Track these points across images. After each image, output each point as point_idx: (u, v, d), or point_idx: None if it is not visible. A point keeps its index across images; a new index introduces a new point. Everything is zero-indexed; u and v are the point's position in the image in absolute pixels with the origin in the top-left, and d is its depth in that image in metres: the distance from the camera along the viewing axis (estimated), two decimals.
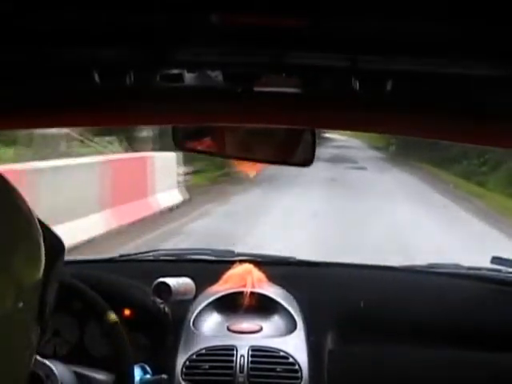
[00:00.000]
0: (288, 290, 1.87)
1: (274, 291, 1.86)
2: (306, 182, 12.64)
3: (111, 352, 1.47)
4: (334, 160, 17.72)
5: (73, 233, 6.70)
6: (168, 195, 10.71)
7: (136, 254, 2.16)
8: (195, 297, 1.83)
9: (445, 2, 0.69)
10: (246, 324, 1.78)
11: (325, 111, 0.96)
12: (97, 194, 8.40)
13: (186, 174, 12.58)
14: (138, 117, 1.03)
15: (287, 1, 0.72)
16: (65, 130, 10.47)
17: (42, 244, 0.59)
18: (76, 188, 7.66)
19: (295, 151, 1.24)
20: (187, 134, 1.27)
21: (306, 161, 1.25)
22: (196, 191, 11.96)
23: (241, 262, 1.95)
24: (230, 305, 1.83)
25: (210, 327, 1.78)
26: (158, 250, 2.16)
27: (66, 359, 1.50)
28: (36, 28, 0.77)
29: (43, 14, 0.74)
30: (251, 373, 1.64)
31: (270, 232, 8.15)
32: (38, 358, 1.35)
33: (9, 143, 10.88)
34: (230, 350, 1.68)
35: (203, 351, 1.69)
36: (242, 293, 1.84)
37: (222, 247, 2.33)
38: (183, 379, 1.65)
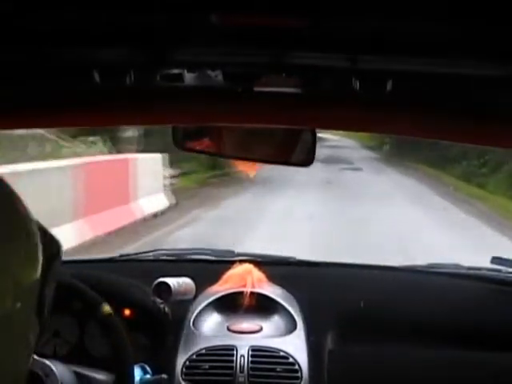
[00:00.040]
0: (288, 290, 1.87)
1: (273, 291, 1.86)
2: (299, 185, 12.25)
3: (111, 352, 1.47)
4: (328, 161, 17.15)
5: None
6: (153, 200, 10.00)
7: (136, 253, 2.16)
8: (195, 297, 1.83)
9: (445, 2, 0.69)
10: (246, 324, 1.78)
11: (325, 111, 0.96)
12: (69, 202, 7.61)
13: (173, 176, 11.98)
14: (138, 117, 1.03)
15: (287, 1, 0.72)
16: (36, 131, 9.58)
17: (40, 245, 0.59)
18: (44, 195, 6.61)
19: (295, 151, 1.24)
20: (187, 134, 1.27)
21: (306, 161, 1.25)
22: (184, 195, 11.26)
23: (241, 262, 1.95)
24: (230, 305, 1.83)
25: (210, 327, 1.78)
26: (158, 250, 2.16)
27: (66, 359, 1.50)
28: (36, 28, 0.77)
29: (43, 14, 0.74)
30: (251, 373, 1.64)
31: (263, 243, 7.28)
32: (38, 357, 1.35)
33: None
34: (230, 350, 1.68)
35: (203, 351, 1.69)
36: (242, 293, 1.84)
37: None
38: (183, 379, 1.65)
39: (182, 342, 1.72)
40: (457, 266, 2.08)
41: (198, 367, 1.67)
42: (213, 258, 2.08)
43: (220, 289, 1.86)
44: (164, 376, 1.65)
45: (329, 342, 1.76)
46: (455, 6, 0.68)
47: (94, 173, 8.40)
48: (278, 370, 1.66)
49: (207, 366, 1.67)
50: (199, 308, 1.80)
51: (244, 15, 0.73)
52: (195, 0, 0.72)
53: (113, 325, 1.47)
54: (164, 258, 2.11)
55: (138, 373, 1.59)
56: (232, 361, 1.66)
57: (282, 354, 1.68)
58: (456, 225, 9.68)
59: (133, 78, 0.87)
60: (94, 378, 1.45)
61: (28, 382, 0.61)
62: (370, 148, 27.94)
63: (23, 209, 0.59)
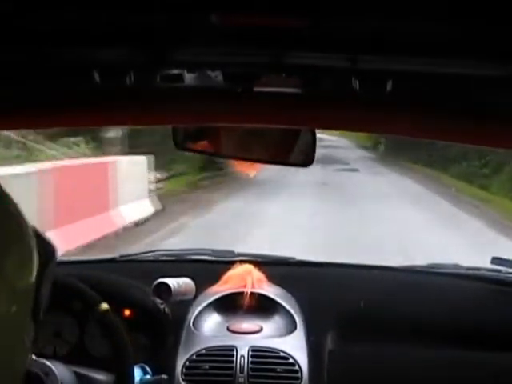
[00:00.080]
0: (288, 291, 1.87)
1: (273, 291, 1.86)
2: (294, 187, 11.81)
3: (111, 352, 1.47)
4: (324, 161, 16.45)
5: None
6: (136, 207, 9.12)
7: (136, 254, 2.16)
8: (195, 297, 1.83)
9: (445, 2, 0.70)
10: (246, 324, 1.78)
11: (325, 111, 0.96)
12: (33, 213, 6.19)
13: (159, 180, 11.23)
14: (138, 117, 1.03)
15: (287, 1, 0.72)
16: (2, 133, 8.31)
17: (35, 248, 0.59)
18: None
19: (296, 151, 1.24)
20: (187, 135, 1.27)
21: (306, 161, 1.25)
22: (172, 199, 10.49)
23: (241, 262, 1.95)
24: (230, 305, 1.83)
25: (210, 327, 1.78)
26: (158, 251, 2.16)
27: (66, 359, 1.50)
28: (36, 28, 0.77)
29: (43, 14, 0.74)
30: (251, 373, 1.64)
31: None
32: (38, 358, 1.35)
33: None
34: (230, 351, 1.68)
35: (203, 351, 1.69)
36: (242, 293, 1.84)
37: None
38: (183, 379, 1.65)
39: (182, 343, 1.72)
40: (456, 266, 2.08)
41: (198, 367, 1.67)
42: (213, 259, 2.08)
43: (220, 289, 1.86)
44: (164, 376, 1.64)
45: (329, 342, 1.76)
46: (455, 5, 0.69)
47: (65, 179, 7.49)
48: (278, 370, 1.66)
49: (207, 367, 1.67)
50: (199, 308, 1.80)
51: (244, 15, 0.73)
52: (195, 0, 0.72)
53: (113, 325, 1.47)
54: (164, 258, 2.11)
55: (138, 373, 1.59)
56: (232, 361, 1.66)
57: (282, 354, 1.68)
58: (461, 229, 9.31)
59: (133, 78, 0.87)
60: (94, 379, 1.45)
61: (28, 383, 0.61)
62: (365, 148, 27.65)
63: (17, 211, 0.59)
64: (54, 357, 1.54)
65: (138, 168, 9.75)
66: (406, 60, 0.84)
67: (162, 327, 1.76)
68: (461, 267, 2.06)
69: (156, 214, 9.51)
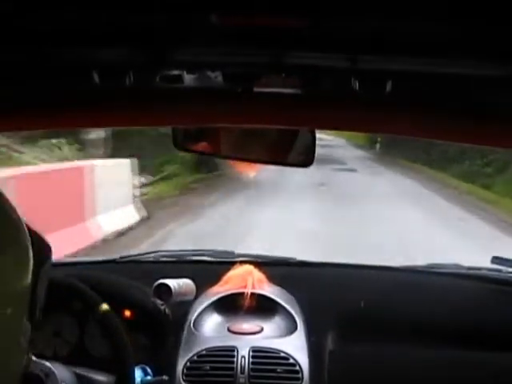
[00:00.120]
0: (288, 291, 1.87)
1: (274, 292, 1.86)
2: (290, 190, 11.40)
3: (111, 352, 1.47)
4: (321, 161, 15.18)
5: None
6: (118, 215, 8.28)
7: (136, 255, 2.16)
8: (196, 298, 1.83)
9: (445, 2, 0.70)
10: (247, 325, 1.78)
11: (325, 111, 0.96)
12: None
13: (145, 184, 10.40)
14: (137, 117, 1.03)
15: (287, 1, 0.72)
16: None
17: (30, 248, 0.59)
18: None
19: (295, 152, 1.24)
20: (187, 135, 1.27)
21: (306, 161, 1.25)
22: (159, 204, 9.63)
23: (241, 262, 1.95)
24: (230, 306, 1.83)
25: (211, 328, 1.78)
26: (158, 252, 2.16)
27: (66, 360, 1.50)
28: (36, 28, 0.77)
29: (43, 14, 0.74)
30: (252, 374, 1.64)
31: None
32: (39, 359, 1.35)
33: None
34: (230, 351, 1.68)
35: (204, 352, 1.69)
36: (242, 294, 1.84)
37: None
38: (184, 380, 1.65)
39: (182, 343, 1.72)
40: (457, 266, 2.08)
41: (198, 368, 1.67)
42: (213, 259, 2.08)
43: (220, 290, 1.86)
44: (165, 377, 1.64)
45: (329, 343, 1.76)
46: (455, 5, 0.69)
47: (31, 187, 6.51)
48: (279, 370, 1.66)
49: (208, 367, 1.67)
50: (200, 309, 1.80)
51: (244, 15, 0.73)
52: (195, 0, 0.72)
53: (113, 325, 1.47)
54: (164, 259, 2.11)
55: (138, 374, 1.59)
56: (233, 362, 1.66)
57: (282, 354, 1.68)
58: (467, 232, 9.04)
59: (132, 79, 0.87)
60: (95, 379, 1.45)
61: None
62: (362, 147, 27.25)
63: (12, 212, 0.59)
64: (54, 357, 1.54)
65: (119, 172, 8.86)
66: (406, 60, 0.84)
67: (162, 328, 1.76)
68: (461, 267, 2.06)
69: (142, 222, 8.75)
